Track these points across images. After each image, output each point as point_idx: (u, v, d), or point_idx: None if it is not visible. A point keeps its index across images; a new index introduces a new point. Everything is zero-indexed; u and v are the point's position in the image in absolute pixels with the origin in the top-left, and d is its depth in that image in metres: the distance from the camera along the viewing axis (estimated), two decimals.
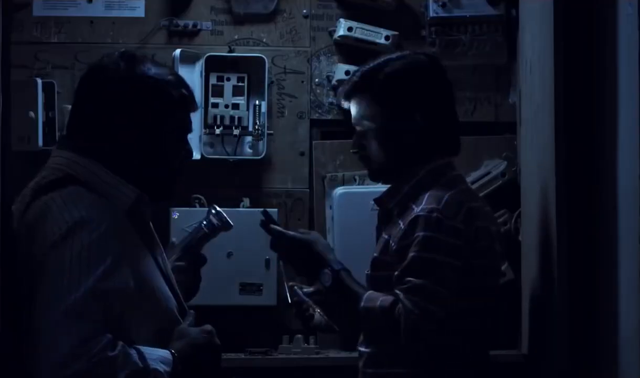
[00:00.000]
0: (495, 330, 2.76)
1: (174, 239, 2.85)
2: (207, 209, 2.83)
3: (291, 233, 2.81)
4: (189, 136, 2.53)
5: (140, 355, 2.27)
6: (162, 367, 2.29)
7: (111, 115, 2.36)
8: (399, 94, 2.69)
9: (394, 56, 2.77)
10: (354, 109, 2.76)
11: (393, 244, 2.63)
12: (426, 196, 2.62)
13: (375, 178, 2.81)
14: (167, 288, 2.44)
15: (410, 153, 2.70)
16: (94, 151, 2.36)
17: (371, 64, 2.75)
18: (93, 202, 2.30)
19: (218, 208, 2.80)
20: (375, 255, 2.71)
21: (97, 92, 2.39)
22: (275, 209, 3.79)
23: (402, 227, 2.62)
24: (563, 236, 2.61)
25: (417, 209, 2.61)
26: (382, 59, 2.75)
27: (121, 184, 2.36)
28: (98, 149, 2.36)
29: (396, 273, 2.58)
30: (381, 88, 2.70)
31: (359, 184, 3.85)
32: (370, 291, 2.63)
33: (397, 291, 2.56)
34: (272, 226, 2.81)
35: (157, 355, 2.31)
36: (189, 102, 2.49)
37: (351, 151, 2.82)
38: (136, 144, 2.38)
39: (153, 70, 2.43)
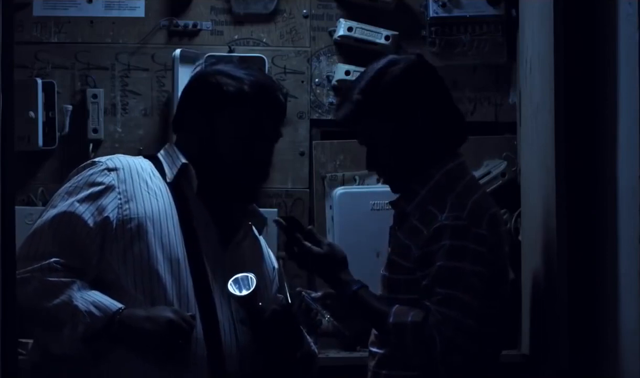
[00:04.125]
0: (503, 332, 2.76)
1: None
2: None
3: (315, 249, 2.71)
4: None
5: (80, 291, 2.38)
6: (89, 309, 2.37)
7: (183, 109, 2.65)
8: (401, 103, 2.67)
9: (381, 64, 2.71)
10: (360, 128, 2.73)
11: (416, 250, 2.60)
12: (449, 202, 2.60)
13: (398, 189, 2.75)
14: (179, 255, 2.49)
15: (424, 156, 2.68)
16: (178, 139, 2.66)
17: (364, 82, 2.69)
18: (135, 157, 2.60)
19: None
20: (393, 257, 2.68)
21: (185, 86, 2.69)
22: (275, 210, 3.80)
23: (426, 234, 2.59)
24: (563, 236, 2.61)
25: (441, 217, 2.58)
26: (373, 73, 2.69)
27: (175, 156, 2.59)
28: (180, 137, 2.65)
29: (424, 283, 2.56)
30: (383, 104, 2.67)
31: (359, 184, 3.85)
32: (396, 306, 2.59)
33: (428, 304, 2.54)
34: (298, 236, 2.73)
35: (96, 299, 2.39)
36: (245, 99, 2.57)
37: (367, 170, 2.80)
38: (195, 133, 2.60)
39: (219, 67, 2.65)
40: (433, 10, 3.86)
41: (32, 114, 3.71)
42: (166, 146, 2.66)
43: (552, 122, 2.69)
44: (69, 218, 2.45)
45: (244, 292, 2.49)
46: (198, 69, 2.75)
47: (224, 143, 2.58)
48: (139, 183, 2.52)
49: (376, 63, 2.74)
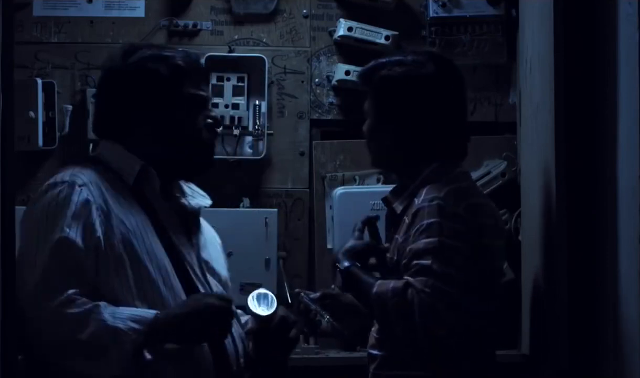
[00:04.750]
0: (500, 331, 2.76)
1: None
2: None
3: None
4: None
5: (108, 312, 2.33)
6: (130, 325, 2.33)
7: (119, 102, 2.54)
8: (394, 98, 2.71)
9: (407, 58, 2.76)
10: (366, 92, 2.80)
11: (400, 239, 2.64)
12: (426, 188, 2.64)
13: (373, 164, 2.85)
14: (166, 264, 2.47)
15: (408, 153, 2.71)
16: (119, 136, 2.54)
17: (387, 59, 2.77)
18: (88, 169, 2.48)
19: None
20: (389, 256, 2.71)
21: (106, 83, 2.59)
22: (275, 210, 3.80)
23: (407, 221, 2.64)
24: (563, 236, 2.61)
25: (417, 201, 2.62)
26: (395, 58, 2.77)
27: (129, 158, 2.51)
28: (121, 134, 2.54)
29: (403, 262, 2.58)
30: (378, 87, 2.74)
31: (359, 184, 3.85)
32: (380, 280, 2.62)
33: (406, 277, 2.55)
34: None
35: (128, 314, 2.35)
36: (184, 72, 2.54)
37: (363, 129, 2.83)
38: (148, 125, 2.53)
39: (146, 52, 2.57)
40: (433, 10, 3.86)
41: (32, 114, 3.71)
42: (108, 145, 2.56)
43: (552, 122, 2.69)
44: (67, 247, 2.37)
45: (265, 311, 2.51)
46: (114, 63, 2.61)
47: (181, 122, 2.54)
48: (108, 195, 2.46)
49: (406, 54, 2.79)
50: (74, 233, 2.39)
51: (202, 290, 2.51)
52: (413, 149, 2.71)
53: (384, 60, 2.78)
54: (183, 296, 2.46)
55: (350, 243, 2.76)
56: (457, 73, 2.78)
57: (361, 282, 2.66)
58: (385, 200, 2.79)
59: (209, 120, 2.58)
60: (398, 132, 2.71)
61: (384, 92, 2.73)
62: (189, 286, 2.49)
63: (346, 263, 2.69)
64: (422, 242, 2.56)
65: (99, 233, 2.41)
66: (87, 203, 2.42)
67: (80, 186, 2.43)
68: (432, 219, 2.57)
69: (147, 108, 2.53)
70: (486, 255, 2.65)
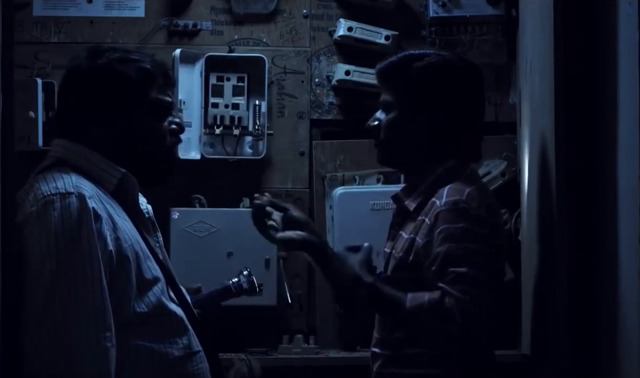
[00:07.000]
0: (501, 331, 2.77)
1: (199, 284, 2.85)
2: (239, 270, 2.85)
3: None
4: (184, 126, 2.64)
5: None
6: None
7: (88, 103, 2.48)
8: (426, 91, 2.70)
9: (436, 53, 2.78)
10: (384, 87, 2.77)
11: (420, 240, 2.62)
12: (446, 189, 2.62)
13: (382, 161, 2.81)
14: (157, 268, 2.44)
15: (424, 150, 2.71)
16: (83, 137, 2.47)
17: (414, 52, 2.76)
18: (75, 177, 2.38)
19: (249, 271, 2.80)
20: (396, 254, 2.69)
21: (72, 82, 2.54)
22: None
23: (427, 222, 2.62)
24: (563, 236, 2.61)
25: (439, 203, 2.60)
26: (423, 52, 2.77)
27: (107, 165, 2.45)
28: (86, 135, 2.47)
29: (433, 268, 2.56)
30: (410, 79, 2.71)
31: (359, 184, 3.85)
32: (410, 294, 2.57)
33: (442, 285, 2.53)
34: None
35: None
36: (151, 76, 2.52)
37: (367, 124, 2.80)
38: (114, 127, 2.48)
39: (114, 55, 2.54)
40: (433, 10, 3.86)
41: (32, 114, 3.71)
42: (75, 150, 2.46)
43: (552, 122, 2.69)
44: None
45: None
46: (82, 63, 2.57)
47: (145, 126, 2.50)
48: (106, 207, 2.38)
49: (434, 50, 2.82)
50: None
51: (184, 293, 2.52)
52: (434, 145, 2.70)
53: (406, 54, 2.77)
54: (178, 308, 2.44)
55: (357, 256, 2.68)
56: (481, 72, 2.80)
57: (391, 296, 2.60)
58: (395, 198, 2.78)
59: (173, 126, 2.56)
60: (425, 125, 2.69)
61: (416, 83, 2.70)
62: (177, 293, 2.48)
63: (369, 279, 2.63)
64: (453, 247, 2.55)
65: (111, 246, 2.33)
66: (97, 216, 2.32)
67: (89, 197, 2.33)
68: (459, 225, 2.56)
69: (113, 110, 2.48)
70: (501, 255, 2.68)
